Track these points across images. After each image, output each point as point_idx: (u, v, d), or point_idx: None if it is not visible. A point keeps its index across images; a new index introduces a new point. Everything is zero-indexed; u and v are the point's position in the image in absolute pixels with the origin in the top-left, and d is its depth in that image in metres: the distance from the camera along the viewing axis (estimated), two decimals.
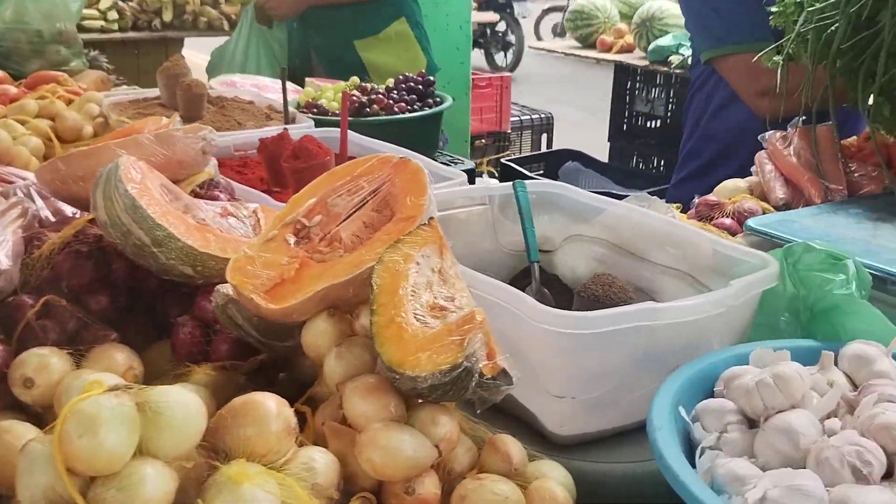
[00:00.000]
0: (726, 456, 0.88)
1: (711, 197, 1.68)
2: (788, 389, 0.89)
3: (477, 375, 0.94)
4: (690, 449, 0.91)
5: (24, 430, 0.99)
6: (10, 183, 1.64)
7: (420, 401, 0.97)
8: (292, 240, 1.14)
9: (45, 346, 1.11)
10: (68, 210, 1.47)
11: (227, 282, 1.16)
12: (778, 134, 1.85)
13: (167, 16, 5.16)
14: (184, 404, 0.84)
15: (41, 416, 1.09)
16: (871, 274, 1.20)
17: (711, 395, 1.00)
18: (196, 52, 5.96)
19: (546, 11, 14.83)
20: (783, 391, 0.89)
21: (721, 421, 0.92)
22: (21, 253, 1.22)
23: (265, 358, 1.20)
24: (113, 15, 4.91)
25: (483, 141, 5.79)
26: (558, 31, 14.10)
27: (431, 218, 1.09)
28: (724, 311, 1.07)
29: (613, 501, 1.06)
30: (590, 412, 1.06)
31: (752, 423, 0.92)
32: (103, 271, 1.23)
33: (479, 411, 0.98)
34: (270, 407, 0.89)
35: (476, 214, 1.48)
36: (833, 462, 0.81)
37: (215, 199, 1.39)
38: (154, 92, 2.40)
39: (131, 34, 5.03)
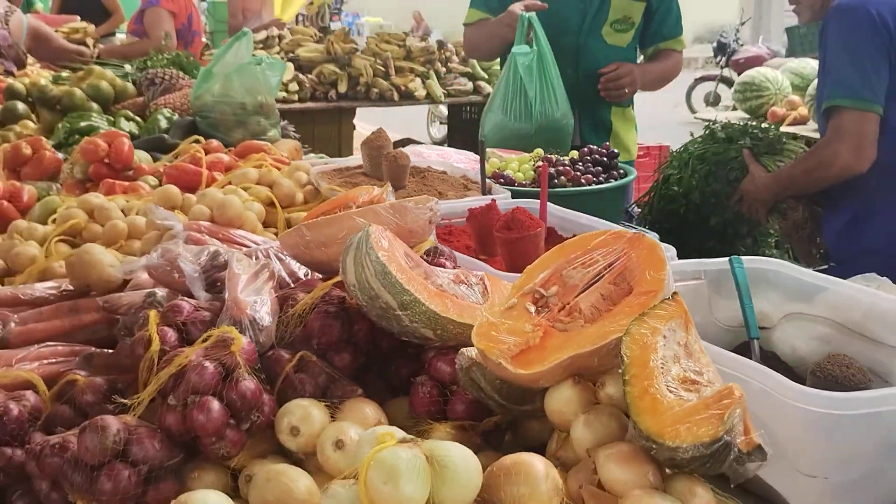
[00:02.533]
0: None
1: None
2: None
3: (735, 450, 0.95)
4: None
5: (296, 475, 1.08)
6: (244, 246, 1.79)
7: (673, 471, 0.99)
8: (532, 308, 1.19)
9: (304, 398, 1.21)
10: (300, 272, 1.59)
11: (462, 346, 1.23)
12: None
13: (342, 87, 5.48)
14: (464, 459, 0.90)
15: (301, 462, 1.18)
16: None
17: None
18: (362, 122, 6.28)
19: (698, 81, 14.73)
20: None
21: None
22: (277, 311, 1.33)
23: (498, 419, 1.25)
24: (294, 87, 5.26)
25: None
26: (710, 101, 13.96)
27: (675, 293, 1.12)
28: None
29: None
30: (840, 495, 1.05)
31: None
32: (347, 331, 1.31)
33: (732, 486, 0.99)
34: (540, 468, 0.94)
35: (690, 289, 1.49)
36: None
37: (442, 266, 1.47)
38: (353, 161, 2.55)
39: (310, 104, 5.36)
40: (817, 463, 1.04)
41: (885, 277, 1.45)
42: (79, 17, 6.11)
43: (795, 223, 2.64)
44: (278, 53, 5.52)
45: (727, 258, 1.51)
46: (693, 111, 13.77)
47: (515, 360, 1.13)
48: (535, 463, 0.94)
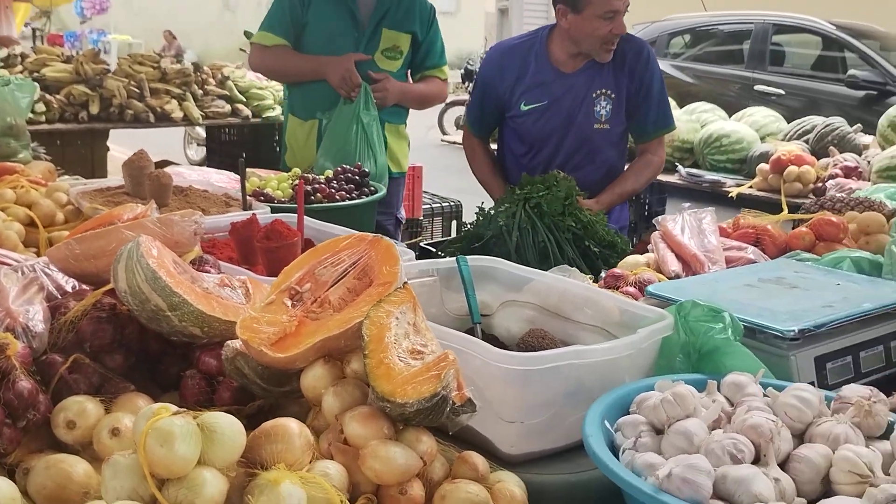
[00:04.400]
0: (641, 453, 1.17)
1: (617, 270, 2.02)
2: (684, 403, 1.19)
3: (450, 403, 1.21)
4: (614, 451, 1.20)
5: (74, 461, 1.20)
6: (6, 264, 1.84)
7: (403, 424, 1.23)
8: (289, 303, 1.40)
9: (79, 395, 1.33)
10: (67, 286, 1.68)
11: (229, 340, 1.40)
12: (669, 218, 2.22)
13: (94, 108, 5.35)
14: (230, 424, 1.08)
15: (78, 453, 1.29)
16: (743, 324, 1.54)
17: (628, 413, 1.29)
18: (116, 145, 6.14)
19: (448, 105, 15.57)
20: (680, 405, 1.19)
21: (635, 430, 1.22)
22: (49, 319, 1.43)
23: (261, 403, 1.43)
24: (41, 107, 5.07)
25: None
26: (460, 125, 14.82)
27: (406, 282, 1.36)
28: (633, 353, 1.38)
29: None
30: (534, 435, 1.34)
31: (658, 432, 1.22)
32: (119, 334, 1.44)
33: (450, 433, 1.24)
34: (294, 428, 1.14)
35: (426, 285, 1.76)
36: (716, 451, 1.11)
37: (207, 272, 1.63)
38: (112, 181, 2.61)
39: (59, 125, 5.20)
40: (515, 410, 1.32)
41: (574, 268, 1.80)
42: None
43: None
44: (22, 73, 5.30)
45: (455, 257, 1.79)
46: (445, 133, 14.58)
47: (274, 346, 1.33)
48: (291, 424, 1.14)
